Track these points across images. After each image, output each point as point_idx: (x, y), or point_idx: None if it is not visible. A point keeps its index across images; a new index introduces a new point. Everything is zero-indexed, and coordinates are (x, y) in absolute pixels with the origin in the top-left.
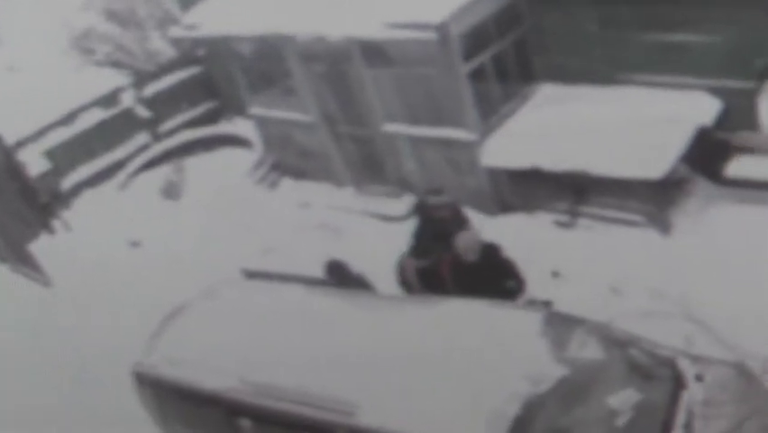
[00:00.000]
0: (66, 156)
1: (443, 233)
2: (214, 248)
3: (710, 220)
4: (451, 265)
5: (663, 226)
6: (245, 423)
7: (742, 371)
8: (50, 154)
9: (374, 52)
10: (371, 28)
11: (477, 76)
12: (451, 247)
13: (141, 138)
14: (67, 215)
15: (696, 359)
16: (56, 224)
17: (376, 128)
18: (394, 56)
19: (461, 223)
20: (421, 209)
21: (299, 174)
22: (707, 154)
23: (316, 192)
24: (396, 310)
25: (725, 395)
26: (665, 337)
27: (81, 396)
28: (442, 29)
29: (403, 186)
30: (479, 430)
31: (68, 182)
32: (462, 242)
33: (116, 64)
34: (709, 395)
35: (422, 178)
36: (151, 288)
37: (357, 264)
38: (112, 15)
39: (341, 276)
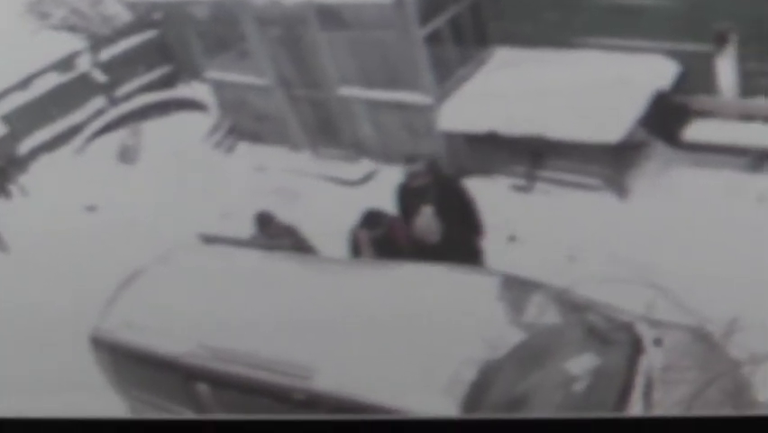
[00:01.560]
0: (22, 121)
1: (427, 203)
2: (170, 212)
3: (668, 184)
4: (409, 240)
5: (621, 190)
6: (202, 388)
7: (702, 336)
8: (6, 119)
9: (330, 15)
10: None
11: (433, 40)
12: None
13: (98, 102)
14: (23, 179)
15: (655, 324)
16: (12, 188)
17: (332, 92)
18: (350, 19)
19: (444, 186)
20: (400, 187)
21: (256, 138)
22: (664, 118)
23: (273, 156)
24: (353, 275)
25: (685, 361)
26: (623, 302)
27: (38, 361)
28: None
29: (359, 150)
30: (435, 395)
31: (24, 147)
32: (419, 228)
33: (72, 28)
34: (669, 360)
35: (378, 142)
36: (108, 252)
37: (314, 228)
38: None
39: (270, 227)
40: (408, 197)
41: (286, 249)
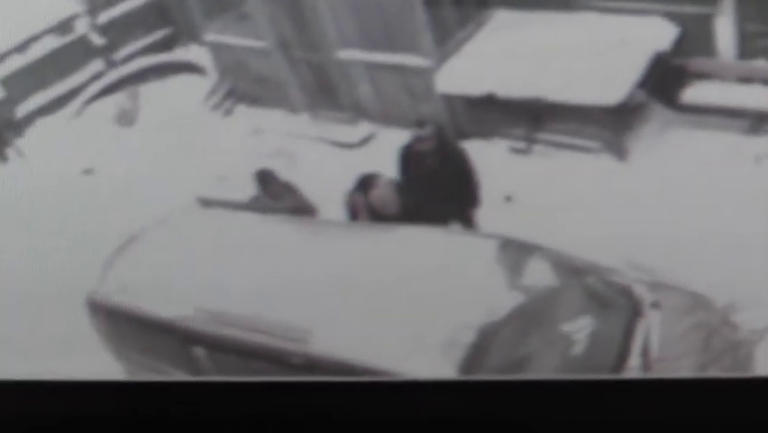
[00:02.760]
0: (19, 84)
1: (429, 167)
2: (168, 176)
3: (667, 145)
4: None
5: (620, 152)
6: (199, 351)
7: (701, 300)
8: (3, 83)
9: None
10: None
11: (432, 2)
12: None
13: (96, 65)
14: (20, 143)
15: (653, 287)
16: (9, 152)
17: (331, 54)
18: None
19: (447, 154)
20: (404, 148)
21: (254, 100)
22: (663, 80)
23: (271, 119)
24: (350, 238)
25: (685, 323)
26: (622, 265)
27: (34, 325)
28: None
29: (358, 112)
30: (433, 359)
31: (21, 110)
32: (377, 198)
33: None
34: (668, 323)
35: (377, 104)
36: (105, 216)
37: (312, 190)
38: None
39: (272, 186)
40: (411, 159)
41: (286, 210)
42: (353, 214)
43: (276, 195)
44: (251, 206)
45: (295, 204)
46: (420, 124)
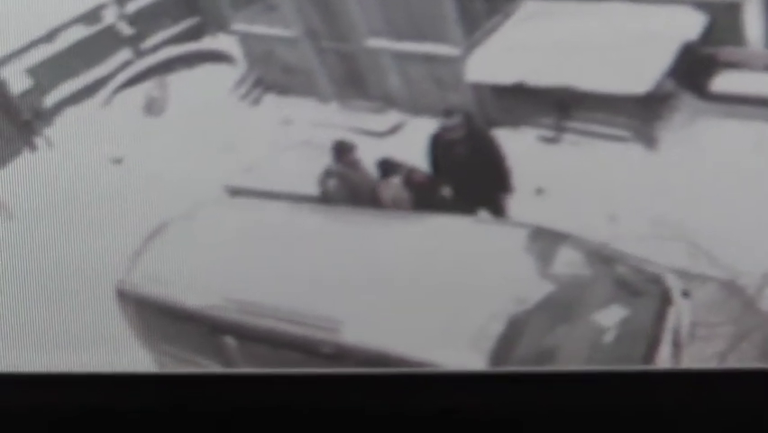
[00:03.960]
0: (48, 74)
1: (459, 156)
2: (196, 165)
3: (696, 135)
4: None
5: (649, 141)
6: (229, 341)
7: (733, 289)
8: (32, 72)
9: None
10: None
11: None
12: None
13: (124, 55)
14: (48, 132)
15: (684, 276)
16: (38, 141)
17: (360, 43)
18: None
19: (476, 141)
20: (433, 138)
21: (283, 90)
22: (692, 69)
23: (300, 108)
24: (379, 227)
25: (717, 315)
26: (652, 255)
27: (62, 315)
28: None
29: (387, 101)
30: (463, 349)
31: (50, 100)
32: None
33: None
34: (700, 315)
35: (406, 93)
36: (134, 205)
37: None
38: None
39: (348, 156)
40: (440, 148)
41: (353, 185)
42: (376, 201)
43: (350, 164)
44: (323, 179)
45: (362, 181)
46: (448, 113)
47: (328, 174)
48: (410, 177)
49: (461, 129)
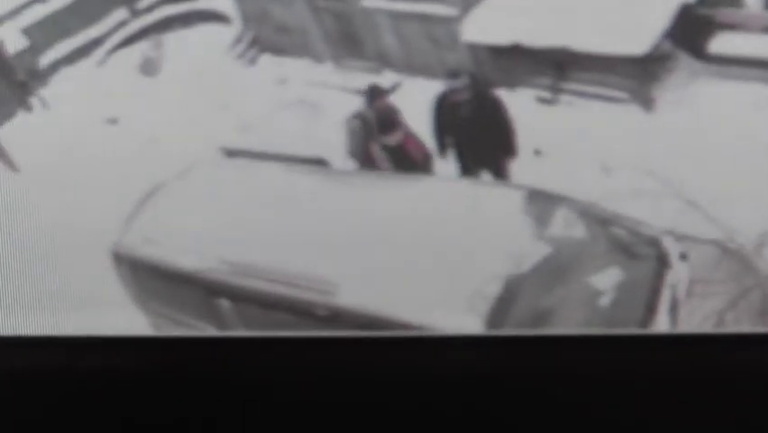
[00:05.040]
0: (43, 34)
1: (464, 118)
2: (191, 126)
3: (693, 96)
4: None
5: (646, 102)
6: (224, 303)
7: (731, 250)
8: (27, 32)
9: None
10: None
11: None
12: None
13: (120, 14)
14: (44, 92)
15: (682, 238)
16: (33, 101)
17: (355, 3)
18: None
19: (482, 103)
20: (438, 99)
21: (278, 50)
22: (690, 30)
23: (295, 68)
24: (376, 189)
25: (713, 275)
26: (650, 216)
27: (56, 277)
28: None
29: (382, 61)
30: (459, 311)
31: (45, 60)
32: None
33: None
34: (697, 275)
35: (402, 53)
36: (129, 166)
37: (336, 139)
38: None
39: (379, 101)
40: (446, 110)
41: (386, 132)
42: (369, 162)
43: (380, 111)
44: (350, 119)
45: (397, 126)
46: (454, 74)
47: (355, 116)
48: (405, 144)
49: (467, 91)
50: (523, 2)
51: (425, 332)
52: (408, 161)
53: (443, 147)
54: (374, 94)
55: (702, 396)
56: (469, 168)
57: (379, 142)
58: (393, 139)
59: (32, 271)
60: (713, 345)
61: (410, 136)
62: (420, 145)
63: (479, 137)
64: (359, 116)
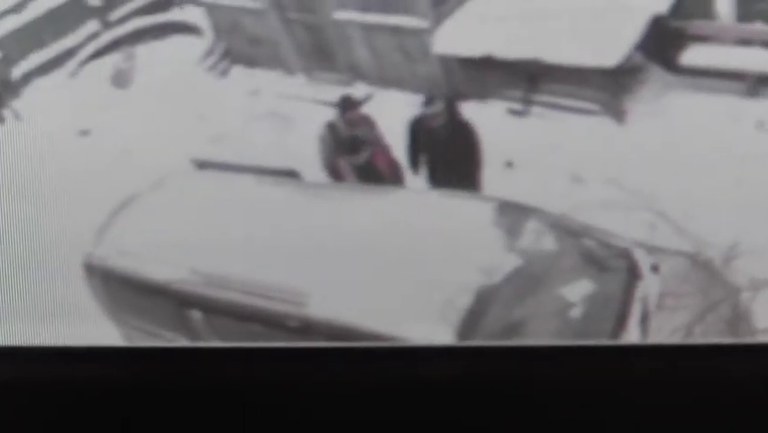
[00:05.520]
0: (16, 45)
1: (439, 141)
2: (163, 137)
3: (665, 108)
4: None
5: (618, 114)
6: (195, 314)
7: (701, 262)
8: (1, 43)
9: None
10: None
11: None
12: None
13: (92, 26)
14: (16, 104)
15: (652, 250)
16: (5, 113)
17: (327, 15)
18: None
19: (456, 126)
20: (413, 124)
21: (250, 62)
22: (662, 42)
23: (267, 80)
24: (346, 200)
25: (683, 287)
26: (621, 228)
27: (28, 288)
28: None
29: (354, 73)
30: (430, 322)
31: (17, 71)
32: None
33: None
34: (667, 287)
35: (374, 66)
36: (101, 177)
37: (308, 151)
38: None
39: (351, 112)
40: (421, 135)
41: (357, 140)
42: (337, 177)
43: (352, 122)
44: (324, 133)
45: (368, 136)
46: (429, 100)
47: (327, 125)
48: (374, 160)
49: (442, 116)
50: (494, 14)
51: (396, 343)
52: (376, 175)
53: (415, 165)
54: (346, 105)
55: (672, 406)
56: (440, 183)
57: (347, 162)
58: (360, 159)
59: (4, 282)
60: (682, 355)
61: (378, 151)
62: (389, 159)
63: (452, 158)
64: (330, 126)
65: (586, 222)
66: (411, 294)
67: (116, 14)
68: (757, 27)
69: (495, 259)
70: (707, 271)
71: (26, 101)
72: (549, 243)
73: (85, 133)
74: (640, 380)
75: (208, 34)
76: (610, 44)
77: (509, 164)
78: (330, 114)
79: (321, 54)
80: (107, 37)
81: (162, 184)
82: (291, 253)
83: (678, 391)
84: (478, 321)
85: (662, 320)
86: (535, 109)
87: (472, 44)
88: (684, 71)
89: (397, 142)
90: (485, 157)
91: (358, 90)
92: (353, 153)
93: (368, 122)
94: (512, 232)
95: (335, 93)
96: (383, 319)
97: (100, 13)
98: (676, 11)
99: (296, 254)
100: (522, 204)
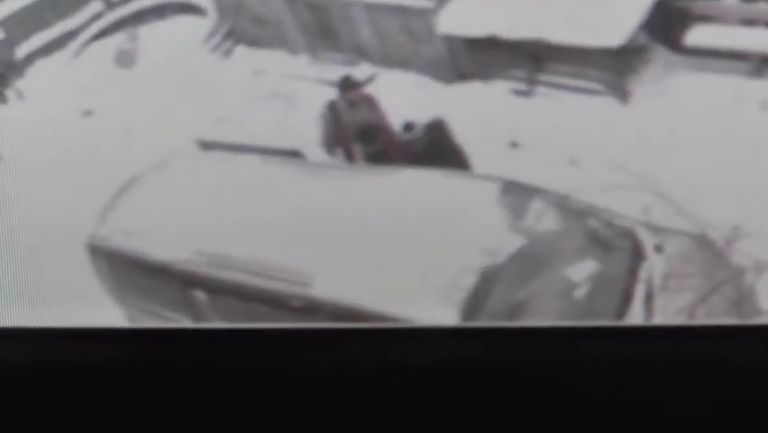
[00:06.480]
0: (19, 26)
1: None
2: (167, 118)
3: (669, 88)
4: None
5: (622, 94)
6: (199, 295)
7: (705, 243)
8: (3, 24)
9: None
10: None
11: None
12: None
13: (95, 6)
14: (20, 84)
15: (656, 230)
16: (9, 93)
17: None
18: None
19: (440, 149)
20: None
21: (254, 42)
22: (666, 22)
23: (271, 60)
24: (351, 180)
25: (687, 268)
26: (625, 208)
27: (32, 270)
28: None
29: (359, 53)
30: (435, 302)
31: (21, 52)
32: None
33: None
34: (671, 267)
35: (378, 45)
36: (104, 158)
37: (312, 132)
38: None
39: (352, 92)
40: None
41: (357, 121)
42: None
43: (353, 102)
44: (325, 112)
45: (369, 117)
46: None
47: (328, 105)
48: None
49: (422, 141)
50: None
51: (400, 324)
52: (388, 161)
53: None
54: (346, 85)
55: (678, 388)
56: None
57: (360, 150)
58: (373, 148)
59: (7, 264)
60: (688, 336)
61: (391, 140)
62: (397, 144)
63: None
64: (330, 106)
65: (590, 202)
66: (415, 274)
67: None
68: (761, 7)
69: (499, 239)
70: (710, 252)
71: (29, 82)
72: (553, 223)
73: (88, 113)
74: (645, 360)
75: (212, 14)
76: (614, 24)
77: (514, 145)
78: (334, 94)
79: (325, 34)
80: (111, 17)
81: (166, 165)
82: (295, 234)
83: (684, 372)
84: (482, 301)
85: (666, 301)
86: (540, 89)
87: (477, 24)
88: (689, 51)
89: (398, 122)
90: (491, 137)
91: (362, 71)
92: (367, 143)
93: (370, 102)
94: (516, 212)
95: (340, 73)
96: (387, 299)
97: None
98: None
99: (300, 235)
100: (526, 184)
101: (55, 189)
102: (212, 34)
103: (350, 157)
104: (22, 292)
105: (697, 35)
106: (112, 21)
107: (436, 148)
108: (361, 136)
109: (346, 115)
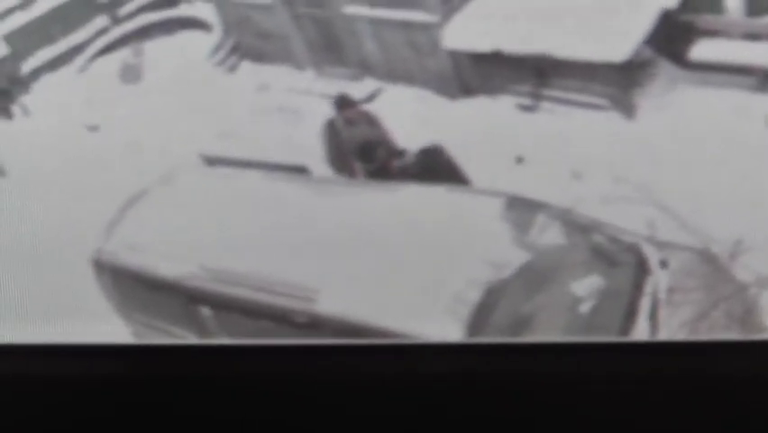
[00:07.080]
0: (24, 41)
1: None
2: (172, 133)
3: (674, 102)
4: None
5: (627, 109)
6: (205, 311)
7: (708, 257)
8: (8, 39)
9: None
10: None
11: None
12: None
13: (101, 21)
14: (26, 99)
15: (661, 245)
16: (14, 108)
17: (336, 10)
18: None
19: (441, 172)
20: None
21: (259, 57)
22: (671, 37)
23: (276, 75)
24: (356, 195)
25: (691, 282)
26: (629, 223)
27: (38, 285)
28: None
29: (364, 68)
30: (440, 317)
31: (26, 67)
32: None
33: None
34: (675, 282)
35: (383, 60)
36: (109, 173)
37: (317, 147)
38: None
39: (348, 111)
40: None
41: (356, 138)
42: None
43: (351, 121)
44: (324, 131)
45: (368, 134)
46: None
47: (327, 123)
48: (388, 164)
49: (415, 166)
50: (503, 9)
51: (405, 339)
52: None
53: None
54: (342, 104)
55: (680, 403)
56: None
57: (361, 168)
58: (374, 166)
59: (13, 279)
60: (690, 352)
61: (390, 159)
62: (395, 170)
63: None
64: (329, 124)
65: (594, 217)
66: (420, 289)
67: (125, 10)
68: (766, 22)
69: (504, 254)
70: (713, 267)
71: (35, 97)
72: (558, 237)
73: (93, 128)
74: (650, 376)
75: (217, 30)
76: (619, 39)
77: (519, 160)
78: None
79: (330, 49)
80: (116, 32)
81: (171, 180)
82: (300, 249)
83: (688, 388)
84: (488, 316)
85: (670, 315)
86: (545, 104)
87: (482, 39)
88: (694, 66)
89: (403, 137)
90: (496, 152)
91: (367, 86)
92: (367, 160)
93: (369, 119)
94: (521, 227)
95: (345, 88)
96: (392, 315)
97: (109, 8)
98: (685, 5)
99: (304, 250)
100: (531, 199)
101: (60, 205)
102: (217, 49)
103: (351, 174)
104: (28, 307)
105: (701, 50)
106: (117, 36)
107: (430, 173)
108: (360, 154)
109: (345, 133)
